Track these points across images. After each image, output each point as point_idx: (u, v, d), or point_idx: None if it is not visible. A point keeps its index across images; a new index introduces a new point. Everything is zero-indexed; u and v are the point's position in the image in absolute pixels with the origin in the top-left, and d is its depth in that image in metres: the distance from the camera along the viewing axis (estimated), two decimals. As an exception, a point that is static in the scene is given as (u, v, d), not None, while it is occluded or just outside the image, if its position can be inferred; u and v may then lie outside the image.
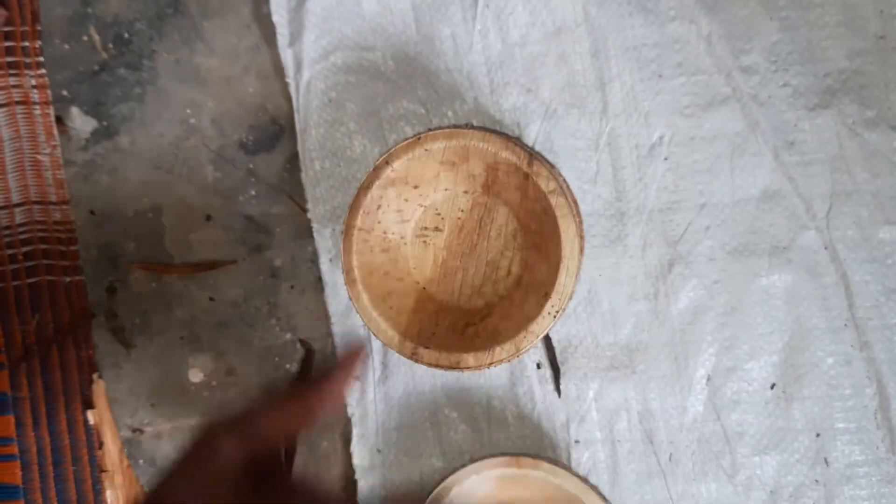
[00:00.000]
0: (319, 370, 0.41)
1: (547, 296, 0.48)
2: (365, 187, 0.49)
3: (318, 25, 0.55)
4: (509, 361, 0.49)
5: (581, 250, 0.52)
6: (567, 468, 0.53)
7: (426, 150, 0.49)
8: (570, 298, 0.48)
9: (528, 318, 0.48)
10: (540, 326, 0.48)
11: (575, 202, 0.52)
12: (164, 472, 0.36)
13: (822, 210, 0.52)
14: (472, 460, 0.54)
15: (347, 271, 0.50)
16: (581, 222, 0.53)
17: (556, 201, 0.48)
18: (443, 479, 0.53)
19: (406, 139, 0.50)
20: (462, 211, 0.52)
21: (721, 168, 0.52)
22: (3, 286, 0.58)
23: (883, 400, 0.51)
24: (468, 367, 0.48)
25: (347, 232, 0.50)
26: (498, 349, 0.48)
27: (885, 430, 0.52)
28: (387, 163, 0.49)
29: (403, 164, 0.49)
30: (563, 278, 0.48)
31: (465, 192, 0.52)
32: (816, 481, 0.52)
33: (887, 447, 0.52)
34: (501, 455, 0.53)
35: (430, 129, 0.50)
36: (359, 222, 0.49)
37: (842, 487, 0.52)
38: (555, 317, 0.48)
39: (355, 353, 0.42)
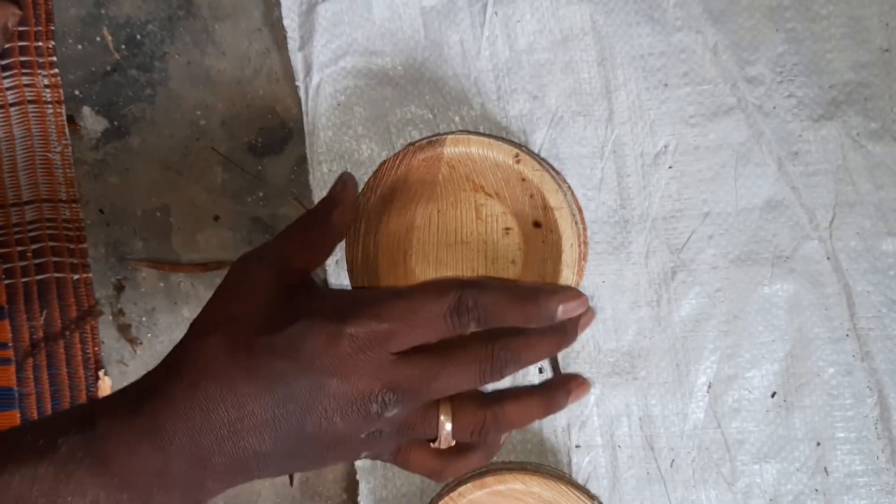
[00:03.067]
0: (331, 190, 0.44)
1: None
2: (370, 188, 0.50)
3: (329, 30, 0.55)
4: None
5: (584, 257, 0.52)
6: (568, 480, 0.52)
7: (432, 152, 0.49)
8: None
9: None
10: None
11: (579, 209, 0.53)
12: (207, 301, 0.39)
13: (826, 220, 0.52)
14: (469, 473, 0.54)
15: (351, 270, 0.50)
16: (585, 229, 0.53)
17: (558, 208, 0.48)
18: (443, 487, 0.54)
19: (413, 141, 0.50)
20: (464, 215, 0.53)
21: (725, 177, 0.53)
22: (12, 282, 0.59)
23: (883, 410, 0.52)
24: None
25: (352, 232, 0.50)
26: None
27: (885, 440, 0.52)
28: (393, 164, 0.50)
29: (408, 166, 0.50)
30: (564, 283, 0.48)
31: (468, 196, 0.52)
32: (816, 490, 0.52)
33: (887, 457, 0.52)
34: (501, 467, 0.53)
35: (436, 134, 0.50)
36: (363, 226, 0.50)
37: (841, 497, 0.52)
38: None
39: (346, 181, 0.44)
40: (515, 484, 0.50)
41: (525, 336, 0.38)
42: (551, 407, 0.41)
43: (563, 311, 0.38)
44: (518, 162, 0.49)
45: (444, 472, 0.40)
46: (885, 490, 0.52)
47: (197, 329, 0.38)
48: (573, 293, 0.39)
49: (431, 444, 0.39)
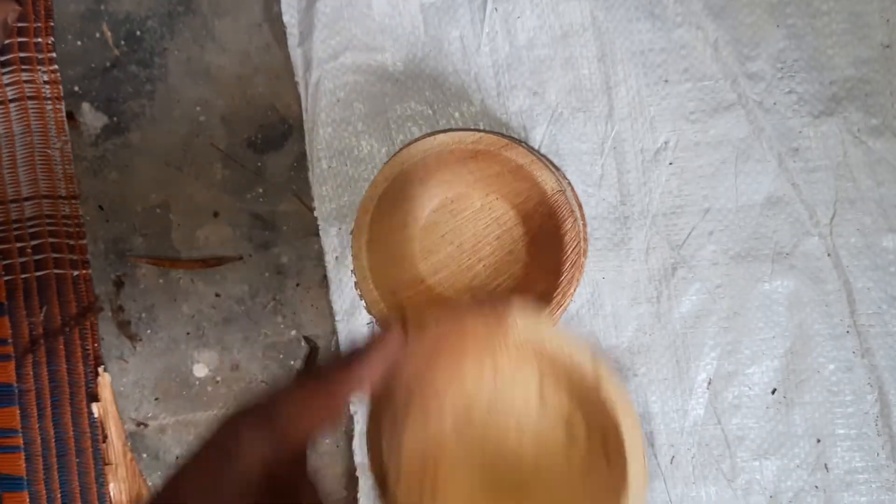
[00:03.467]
0: (346, 353, 0.36)
1: (548, 298, 0.48)
2: (377, 182, 0.50)
3: (328, 26, 0.55)
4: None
5: (584, 253, 0.52)
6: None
7: (435, 148, 0.49)
8: (571, 301, 0.49)
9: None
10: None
11: (579, 205, 0.53)
12: (179, 466, 0.33)
13: (826, 217, 0.52)
14: None
15: (358, 268, 0.50)
16: (585, 225, 0.53)
17: (559, 205, 0.48)
18: None
19: (416, 138, 0.50)
20: (466, 211, 0.53)
21: (725, 173, 0.53)
22: (12, 278, 0.59)
23: (884, 407, 0.52)
24: None
25: (357, 229, 0.50)
26: None
27: (885, 436, 0.52)
28: (397, 159, 0.49)
29: (413, 161, 0.49)
30: (564, 281, 0.48)
31: (470, 192, 0.52)
32: (816, 487, 0.52)
33: (887, 454, 0.52)
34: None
35: (437, 130, 0.50)
36: (370, 217, 0.50)
37: (841, 493, 0.52)
38: (555, 317, 0.48)
39: (386, 334, 0.37)
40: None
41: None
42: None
43: None
44: (518, 158, 0.48)
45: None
46: (886, 487, 0.52)
47: (173, 497, 0.33)
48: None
49: None
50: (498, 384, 0.38)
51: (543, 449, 0.38)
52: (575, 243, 0.48)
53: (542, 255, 0.51)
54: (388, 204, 0.50)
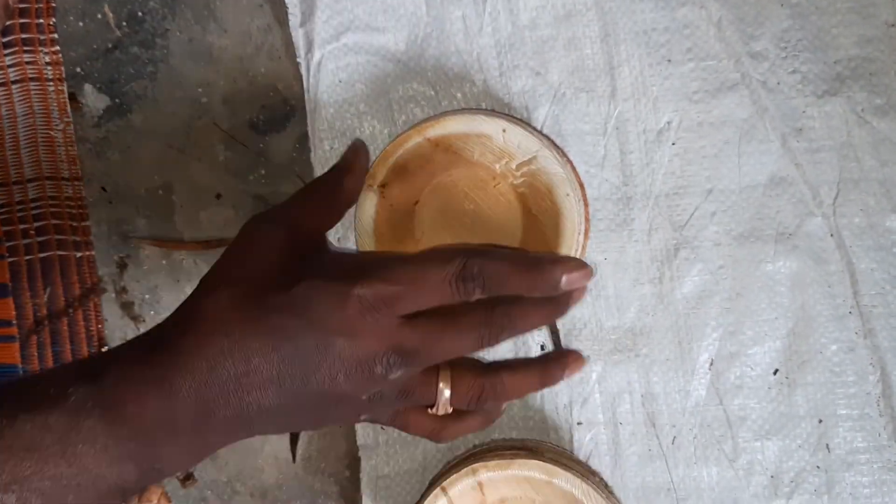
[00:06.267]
0: (345, 159, 0.43)
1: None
2: (383, 158, 0.49)
3: (330, 6, 0.55)
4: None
5: (586, 234, 0.52)
6: (569, 458, 0.52)
7: (437, 131, 0.49)
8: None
9: None
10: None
11: (581, 186, 0.53)
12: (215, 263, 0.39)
13: (829, 197, 0.52)
14: (475, 447, 0.55)
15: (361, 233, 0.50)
16: (587, 206, 0.53)
17: (561, 184, 0.48)
18: (445, 465, 0.54)
19: (417, 123, 0.50)
20: (468, 190, 0.52)
21: (728, 154, 0.52)
22: (16, 260, 0.59)
23: (886, 388, 0.52)
24: None
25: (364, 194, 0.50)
26: None
27: (887, 417, 0.52)
28: (399, 143, 0.49)
29: (414, 145, 0.49)
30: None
31: (471, 173, 0.52)
32: (818, 467, 0.52)
33: (889, 434, 0.52)
34: (502, 445, 0.53)
35: (438, 112, 0.50)
36: (374, 194, 0.49)
37: (843, 474, 0.52)
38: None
39: (358, 148, 0.43)
40: (536, 472, 0.49)
41: (521, 305, 0.38)
42: (547, 380, 0.41)
43: (566, 281, 0.38)
44: (520, 137, 0.48)
45: (443, 433, 0.41)
46: (887, 467, 0.52)
47: (206, 285, 0.38)
48: (577, 264, 0.39)
49: (429, 410, 0.39)
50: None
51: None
52: (577, 224, 0.48)
53: (543, 236, 0.51)
54: (395, 178, 0.50)
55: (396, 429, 0.41)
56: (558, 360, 0.41)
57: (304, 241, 0.39)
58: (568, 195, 0.48)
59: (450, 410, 0.39)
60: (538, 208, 0.50)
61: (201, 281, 0.38)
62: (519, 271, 0.37)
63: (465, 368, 0.39)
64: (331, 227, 0.43)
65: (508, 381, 0.39)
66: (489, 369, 0.40)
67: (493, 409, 0.41)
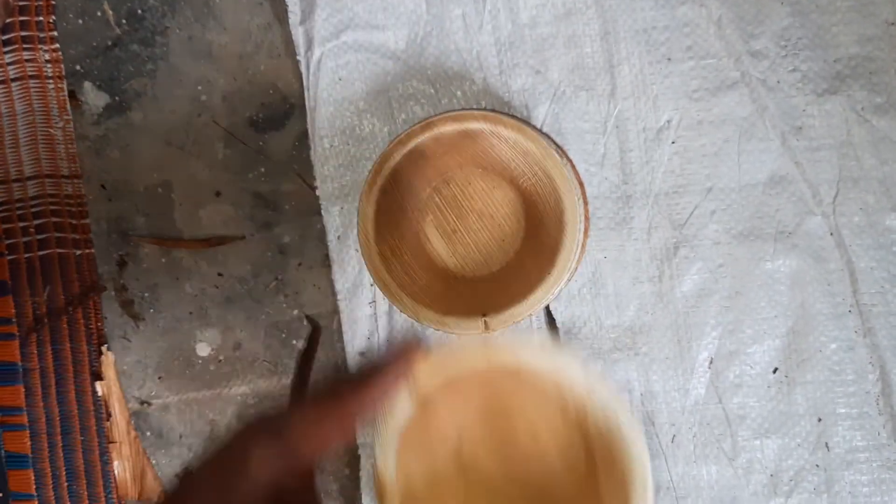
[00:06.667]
0: (364, 368, 0.35)
1: (548, 276, 0.48)
2: (383, 160, 0.49)
3: (330, 4, 0.55)
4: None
5: (586, 232, 0.52)
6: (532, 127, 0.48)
7: (439, 130, 0.49)
8: (571, 279, 0.49)
9: (531, 292, 0.48)
10: (539, 305, 0.48)
11: (581, 184, 0.53)
12: (189, 475, 0.33)
13: (829, 196, 0.52)
14: None
15: (364, 241, 0.50)
16: (587, 204, 0.53)
17: (561, 183, 0.48)
18: None
19: (418, 122, 0.50)
20: (469, 191, 0.52)
21: (728, 152, 0.52)
22: (15, 258, 0.59)
23: (885, 386, 0.52)
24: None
25: (367, 198, 0.49)
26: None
27: (886, 415, 0.52)
28: (402, 142, 0.49)
29: (417, 144, 0.49)
30: (564, 259, 0.48)
31: (472, 171, 0.52)
32: (817, 466, 0.52)
33: (889, 433, 0.52)
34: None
35: (439, 112, 0.50)
36: (381, 186, 0.49)
37: (842, 472, 0.52)
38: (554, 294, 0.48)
39: (409, 348, 0.35)
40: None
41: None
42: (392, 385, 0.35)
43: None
44: (520, 137, 0.48)
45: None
46: (886, 466, 0.52)
47: (188, 494, 0.33)
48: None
49: None
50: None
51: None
52: (576, 222, 0.48)
53: (545, 234, 0.51)
54: (404, 172, 0.50)
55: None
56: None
57: (296, 472, 0.34)
58: (571, 199, 0.48)
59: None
60: (541, 210, 0.50)
61: (173, 493, 0.35)
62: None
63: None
64: (332, 451, 0.38)
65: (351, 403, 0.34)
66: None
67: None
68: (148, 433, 0.59)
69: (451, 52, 0.54)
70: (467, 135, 0.49)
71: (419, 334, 0.38)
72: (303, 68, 0.56)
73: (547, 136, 0.53)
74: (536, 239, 0.51)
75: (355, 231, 0.52)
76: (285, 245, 0.58)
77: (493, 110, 0.53)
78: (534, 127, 0.52)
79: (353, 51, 0.55)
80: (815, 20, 0.51)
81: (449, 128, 0.49)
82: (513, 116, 0.51)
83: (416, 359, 0.35)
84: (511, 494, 0.37)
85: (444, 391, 0.36)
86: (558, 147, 0.52)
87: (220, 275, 0.58)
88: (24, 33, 0.58)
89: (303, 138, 0.57)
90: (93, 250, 0.59)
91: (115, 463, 0.59)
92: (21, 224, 0.59)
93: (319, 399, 0.34)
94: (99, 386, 0.59)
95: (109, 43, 0.58)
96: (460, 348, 0.36)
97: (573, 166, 0.52)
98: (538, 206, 0.51)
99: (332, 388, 0.35)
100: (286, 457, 0.33)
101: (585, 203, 0.52)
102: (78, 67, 0.59)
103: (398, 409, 0.35)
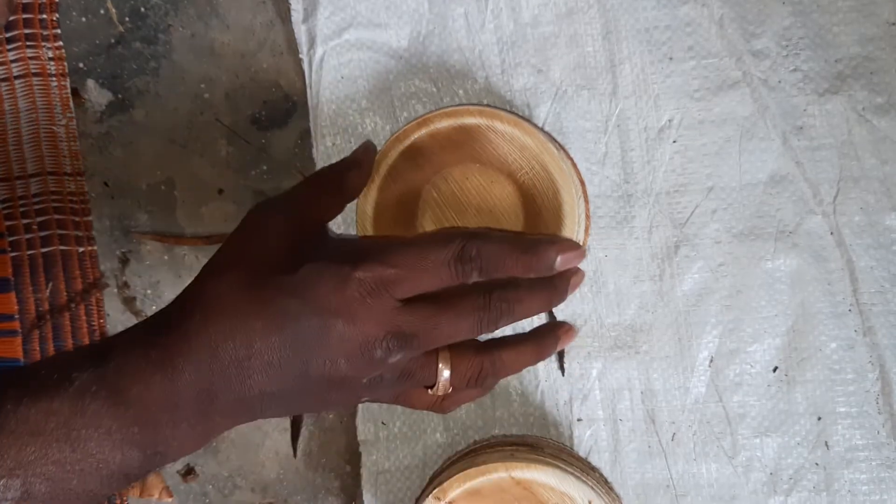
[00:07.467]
0: (353, 156, 0.45)
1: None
2: (391, 146, 0.49)
3: (333, 2, 0.55)
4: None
5: (587, 231, 0.52)
6: (569, 454, 0.52)
7: (435, 126, 0.49)
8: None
9: None
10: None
11: (582, 183, 0.53)
12: (219, 248, 0.39)
13: (830, 195, 0.52)
14: (475, 442, 0.55)
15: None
16: (588, 203, 0.53)
17: (559, 177, 0.48)
18: (445, 460, 0.54)
19: (417, 117, 0.50)
20: (467, 187, 0.53)
21: (729, 152, 0.53)
22: (18, 255, 0.59)
23: (885, 385, 0.52)
24: None
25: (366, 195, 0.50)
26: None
27: (886, 414, 0.52)
28: (399, 139, 0.49)
29: (414, 141, 0.50)
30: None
31: (469, 167, 0.52)
32: (816, 464, 0.53)
33: (888, 432, 0.52)
34: (504, 442, 0.53)
35: (439, 108, 0.50)
36: (379, 182, 0.49)
37: (842, 471, 0.52)
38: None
39: (368, 147, 0.45)
40: (500, 473, 0.48)
41: (518, 289, 0.39)
42: (542, 353, 0.42)
43: (561, 261, 0.39)
44: (520, 135, 0.48)
45: (444, 405, 0.41)
46: (886, 464, 0.52)
47: (211, 268, 0.38)
48: (571, 244, 0.40)
49: (429, 391, 0.40)
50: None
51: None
52: (577, 221, 0.48)
53: (542, 228, 0.51)
54: (401, 167, 0.50)
55: (399, 405, 0.42)
56: (551, 333, 0.42)
57: (306, 229, 0.40)
58: (569, 192, 0.48)
59: (449, 390, 0.40)
60: (540, 205, 0.51)
61: (206, 265, 0.39)
62: (515, 252, 0.38)
63: (463, 348, 0.40)
64: (332, 218, 0.43)
65: (507, 357, 0.40)
66: (486, 348, 0.40)
67: (490, 383, 0.42)
68: (150, 430, 0.59)
69: (453, 51, 0.55)
70: (463, 130, 0.49)
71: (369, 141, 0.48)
72: (305, 66, 0.56)
73: (548, 134, 0.53)
74: (535, 233, 0.51)
75: (354, 229, 0.52)
76: (287, 243, 0.58)
77: (488, 105, 0.53)
78: (531, 122, 0.52)
79: (355, 49, 0.55)
80: (816, 20, 0.51)
81: (445, 124, 0.49)
82: (513, 114, 0.51)
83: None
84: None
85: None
86: (560, 146, 0.52)
87: (222, 272, 0.59)
88: (27, 31, 0.58)
89: (305, 136, 0.57)
90: (95, 247, 0.60)
91: (117, 459, 0.59)
92: (24, 221, 0.59)
93: (319, 177, 0.44)
94: (101, 382, 0.59)
95: (112, 41, 0.59)
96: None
97: (574, 165, 0.53)
98: (536, 201, 0.51)
99: (328, 168, 0.44)
100: (293, 218, 0.40)
101: (587, 202, 0.53)
102: (81, 65, 0.59)
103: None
